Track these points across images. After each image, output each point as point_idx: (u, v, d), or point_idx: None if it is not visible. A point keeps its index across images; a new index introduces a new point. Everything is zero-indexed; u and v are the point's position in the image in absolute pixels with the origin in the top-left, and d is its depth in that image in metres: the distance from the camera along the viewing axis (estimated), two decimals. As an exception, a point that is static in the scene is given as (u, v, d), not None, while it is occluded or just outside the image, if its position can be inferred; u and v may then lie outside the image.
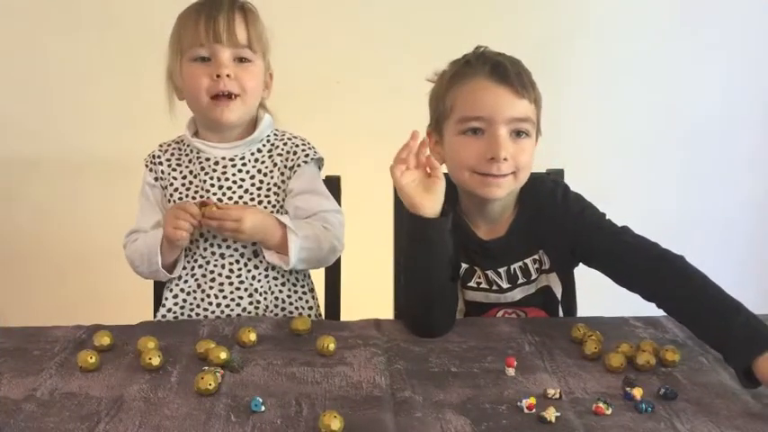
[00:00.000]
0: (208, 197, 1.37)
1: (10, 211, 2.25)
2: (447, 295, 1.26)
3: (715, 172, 2.37)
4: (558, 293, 1.37)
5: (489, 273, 1.34)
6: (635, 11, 2.25)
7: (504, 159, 1.23)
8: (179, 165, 1.42)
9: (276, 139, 1.43)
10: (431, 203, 1.20)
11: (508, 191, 1.27)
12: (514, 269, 1.34)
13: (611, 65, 2.27)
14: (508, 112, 1.24)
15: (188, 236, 1.30)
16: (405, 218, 1.24)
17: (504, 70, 1.25)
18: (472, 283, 1.34)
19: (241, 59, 1.34)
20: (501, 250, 1.34)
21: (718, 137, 2.35)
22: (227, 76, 1.31)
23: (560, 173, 1.58)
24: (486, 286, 1.34)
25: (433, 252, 1.21)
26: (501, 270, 1.34)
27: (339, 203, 1.49)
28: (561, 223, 1.31)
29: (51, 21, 2.14)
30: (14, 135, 2.20)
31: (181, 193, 1.40)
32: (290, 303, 1.41)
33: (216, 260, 1.37)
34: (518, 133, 1.25)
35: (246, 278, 1.37)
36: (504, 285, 1.34)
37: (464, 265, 1.34)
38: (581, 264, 1.36)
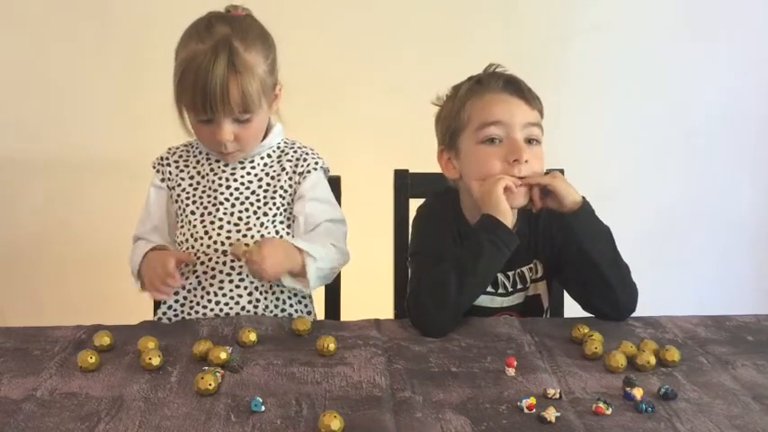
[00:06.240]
0: (215, 197, 1.39)
1: (10, 211, 2.25)
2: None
3: (716, 172, 2.37)
4: (546, 302, 1.43)
5: (499, 275, 1.37)
6: (636, 10, 2.25)
7: (526, 161, 1.30)
8: (186, 166, 1.43)
9: (286, 147, 1.45)
10: (511, 216, 1.29)
11: (527, 198, 1.33)
12: (515, 275, 1.39)
13: (611, 65, 2.27)
14: (523, 118, 1.32)
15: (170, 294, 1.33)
16: (483, 221, 1.28)
17: (516, 84, 1.35)
18: None
19: (241, 120, 1.32)
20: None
21: (719, 136, 2.35)
22: (228, 140, 1.32)
23: (560, 173, 1.59)
24: (492, 290, 1.37)
25: (499, 260, 1.28)
26: (509, 273, 1.39)
27: (339, 203, 1.50)
28: (555, 231, 1.38)
29: (52, 20, 2.14)
30: (16, 135, 2.20)
31: (188, 193, 1.41)
32: (291, 306, 1.41)
33: (218, 257, 1.37)
34: (530, 141, 1.33)
35: (247, 276, 1.37)
36: (510, 288, 1.39)
37: None
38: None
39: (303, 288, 1.36)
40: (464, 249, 1.29)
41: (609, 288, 1.29)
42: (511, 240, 1.28)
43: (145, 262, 1.35)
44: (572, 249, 1.31)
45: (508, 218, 1.28)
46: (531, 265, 1.41)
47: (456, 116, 1.36)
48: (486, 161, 1.32)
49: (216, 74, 1.25)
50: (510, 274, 1.38)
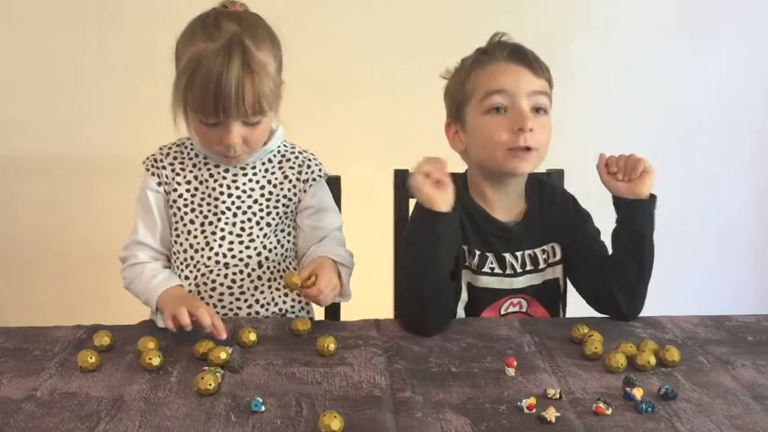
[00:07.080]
0: (216, 206, 1.35)
1: (11, 210, 2.25)
2: (444, 293, 1.27)
3: (715, 172, 2.37)
4: (563, 287, 1.42)
5: (507, 255, 1.37)
6: (635, 10, 2.25)
7: (530, 130, 1.29)
8: (182, 169, 1.37)
9: (287, 151, 1.41)
10: (444, 200, 1.23)
11: (533, 166, 1.33)
12: (524, 256, 1.38)
13: (611, 64, 2.27)
14: (528, 87, 1.31)
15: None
16: (415, 212, 1.26)
17: (521, 53, 1.35)
18: (486, 269, 1.37)
19: (251, 122, 1.27)
20: (518, 233, 1.38)
21: (719, 136, 2.35)
22: (237, 143, 1.27)
23: (560, 173, 1.59)
24: (500, 271, 1.37)
25: (439, 246, 1.23)
26: (517, 254, 1.38)
27: (339, 203, 1.50)
28: (571, 220, 1.39)
29: (52, 19, 2.14)
30: (15, 135, 2.20)
31: (186, 199, 1.36)
32: (293, 314, 1.40)
33: (219, 269, 1.35)
34: (537, 110, 1.32)
35: (248, 288, 1.36)
36: (518, 269, 1.38)
37: (477, 252, 1.37)
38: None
39: (342, 299, 1.36)
40: (406, 253, 1.29)
41: (635, 284, 1.29)
42: (436, 219, 1.21)
43: (172, 297, 1.26)
44: (625, 236, 1.29)
45: (436, 199, 1.21)
46: (546, 248, 1.40)
47: (461, 87, 1.36)
48: (491, 131, 1.31)
49: (231, 75, 1.19)
50: (518, 254, 1.38)
